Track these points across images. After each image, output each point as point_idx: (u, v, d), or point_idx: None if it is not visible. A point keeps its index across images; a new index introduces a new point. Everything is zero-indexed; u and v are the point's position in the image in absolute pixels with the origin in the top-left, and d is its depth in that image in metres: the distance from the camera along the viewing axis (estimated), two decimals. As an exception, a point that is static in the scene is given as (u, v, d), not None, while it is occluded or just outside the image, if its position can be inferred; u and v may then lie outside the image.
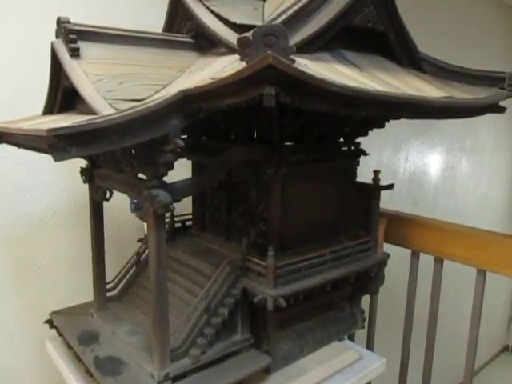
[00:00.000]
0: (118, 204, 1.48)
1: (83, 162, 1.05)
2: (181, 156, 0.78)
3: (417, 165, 2.90)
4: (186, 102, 0.70)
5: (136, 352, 0.93)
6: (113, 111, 0.69)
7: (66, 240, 1.40)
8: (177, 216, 1.27)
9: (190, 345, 0.89)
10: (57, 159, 0.61)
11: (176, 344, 0.87)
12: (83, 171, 1.05)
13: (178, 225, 1.28)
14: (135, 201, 0.84)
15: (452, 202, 3.22)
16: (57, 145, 0.60)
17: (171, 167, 0.78)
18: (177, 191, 0.79)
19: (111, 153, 0.85)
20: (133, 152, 0.77)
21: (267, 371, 1.01)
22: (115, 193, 1.41)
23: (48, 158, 1.37)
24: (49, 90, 0.92)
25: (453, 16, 2.80)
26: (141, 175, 0.82)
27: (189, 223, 1.29)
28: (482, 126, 3.40)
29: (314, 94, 0.63)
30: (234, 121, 1.00)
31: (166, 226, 1.11)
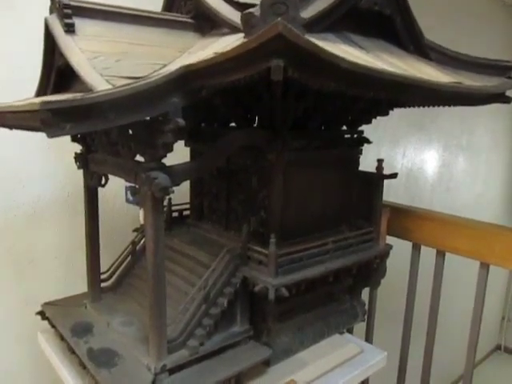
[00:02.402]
0: (113, 194, 1.45)
1: (78, 149, 1.02)
2: (180, 137, 0.74)
3: (414, 161, 2.88)
4: (188, 78, 0.67)
5: (131, 343, 0.89)
6: (110, 87, 0.65)
7: (60, 231, 1.36)
8: (174, 205, 1.24)
9: (187, 336, 0.86)
10: (50, 136, 0.58)
11: (173, 335, 0.84)
12: (77, 157, 1.01)
13: (174, 215, 1.25)
14: (132, 185, 0.81)
15: (449, 200, 3.20)
16: (50, 120, 0.56)
17: (170, 149, 0.74)
18: (176, 174, 0.76)
19: (107, 134, 0.82)
20: (130, 132, 0.74)
21: (267, 364, 0.98)
22: (109, 184, 1.38)
23: (41, 146, 1.33)
24: (42, 70, 0.88)
25: (452, 6, 2.77)
26: (138, 158, 0.79)
27: (186, 213, 1.26)
28: (479, 123, 3.39)
29: (323, 70, 0.60)
30: (234, 105, 0.97)
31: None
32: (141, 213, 1.41)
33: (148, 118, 0.71)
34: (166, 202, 1.21)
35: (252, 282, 0.90)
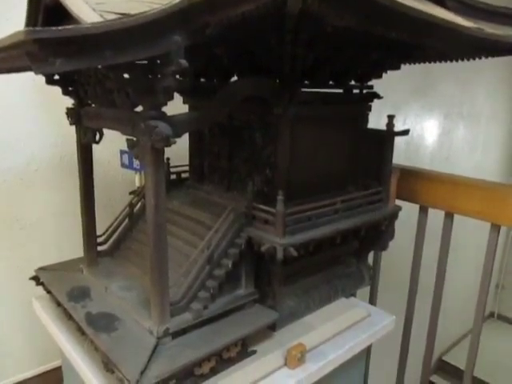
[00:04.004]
0: (107, 160, 1.39)
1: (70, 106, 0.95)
2: (184, 83, 0.68)
3: (414, 128, 2.82)
4: (191, 13, 0.60)
5: (132, 307, 0.85)
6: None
7: (52, 197, 1.30)
8: (172, 167, 1.17)
9: (191, 298, 0.81)
10: (38, 71, 0.51)
11: (176, 298, 0.80)
12: (69, 112, 0.94)
13: (172, 177, 1.19)
14: (129, 138, 0.74)
15: (448, 168, 3.16)
16: (37, 53, 0.50)
17: (171, 96, 0.68)
18: (177, 125, 0.70)
19: (101, 83, 0.76)
20: (127, 77, 0.67)
21: (273, 328, 0.94)
22: (103, 149, 1.31)
23: (30, 106, 1.24)
24: (28, 12, 0.80)
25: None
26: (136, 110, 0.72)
27: (185, 176, 1.20)
28: (480, 92, 3.33)
29: (345, 1, 0.54)
30: (239, 54, 0.90)
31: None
32: (136, 177, 1.36)
33: (147, 61, 0.64)
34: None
35: (258, 243, 0.86)
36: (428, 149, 3.01)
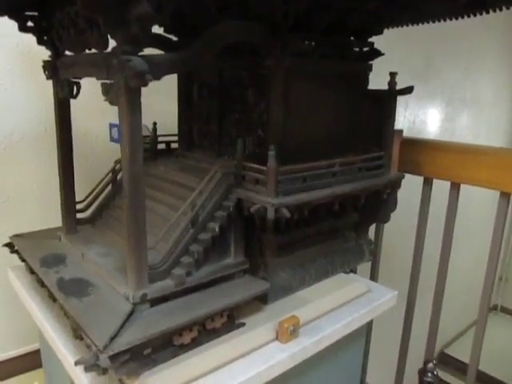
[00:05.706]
0: (96, 133, 1.32)
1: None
2: (161, 18, 0.60)
3: (417, 114, 2.74)
4: None
5: (108, 273, 0.77)
6: None
7: (36, 169, 1.24)
8: (160, 136, 1.10)
9: (173, 264, 0.74)
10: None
11: (155, 261, 0.72)
12: (46, 64, 0.87)
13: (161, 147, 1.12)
14: (104, 81, 0.67)
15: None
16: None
17: (148, 29, 0.61)
18: (155, 64, 0.62)
19: (74, 21, 0.68)
20: (97, 7, 0.60)
21: (264, 300, 0.87)
22: (91, 121, 1.24)
23: (13, 74, 1.17)
24: None
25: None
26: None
27: (174, 146, 1.13)
28: (483, 78, 3.25)
29: None
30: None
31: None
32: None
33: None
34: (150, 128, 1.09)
35: (248, 204, 0.78)
36: (431, 135, 2.93)
